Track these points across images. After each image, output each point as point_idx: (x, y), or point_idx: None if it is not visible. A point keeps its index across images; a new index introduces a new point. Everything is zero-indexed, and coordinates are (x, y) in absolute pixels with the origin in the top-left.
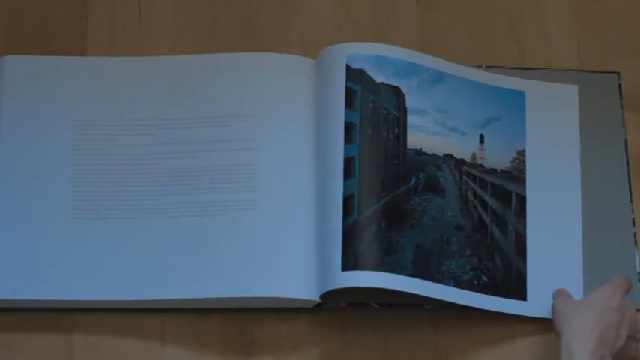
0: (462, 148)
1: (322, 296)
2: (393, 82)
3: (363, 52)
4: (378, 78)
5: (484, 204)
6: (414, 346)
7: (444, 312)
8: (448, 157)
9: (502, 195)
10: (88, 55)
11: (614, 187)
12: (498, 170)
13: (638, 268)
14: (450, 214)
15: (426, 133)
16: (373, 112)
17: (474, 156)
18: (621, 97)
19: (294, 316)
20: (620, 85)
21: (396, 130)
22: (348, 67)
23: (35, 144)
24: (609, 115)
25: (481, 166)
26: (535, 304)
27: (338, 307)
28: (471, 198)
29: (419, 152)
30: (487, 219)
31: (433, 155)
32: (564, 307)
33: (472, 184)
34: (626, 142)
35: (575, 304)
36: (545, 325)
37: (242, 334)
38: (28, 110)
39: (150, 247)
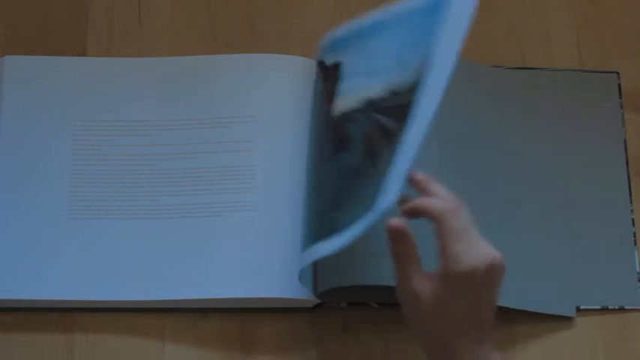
0: (384, 86)
1: (320, 295)
2: (338, 59)
3: (324, 42)
4: (329, 62)
5: (387, 132)
6: (414, 346)
7: None
8: (367, 103)
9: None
10: (88, 55)
11: (613, 187)
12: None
13: (638, 268)
14: (353, 164)
15: (353, 93)
16: (320, 102)
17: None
18: (621, 97)
19: (293, 316)
20: (619, 85)
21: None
22: (319, 62)
23: (34, 144)
24: (609, 114)
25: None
26: None
27: (338, 307)
28: (377, 133)
29: (346, 116)
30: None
31: (355, 111)
32: (423, 297)
33: (380, 117)
34: (625, 141)
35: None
36: (546, 325)
37: (242, 334)
38: (27, 110)
39: (149, 248)
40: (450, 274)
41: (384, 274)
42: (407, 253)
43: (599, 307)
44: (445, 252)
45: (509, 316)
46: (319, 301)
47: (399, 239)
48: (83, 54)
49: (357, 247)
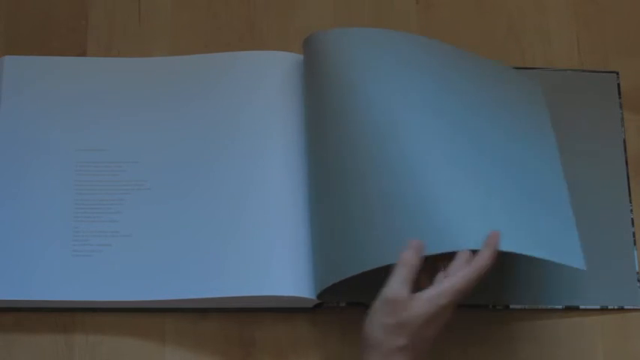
0: None
1: (320, 295)
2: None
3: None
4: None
5: None
6: None
7: None
8: None
9: None
10: (88, 55)
11: (613, 187)
12: None
13: (637, 268)
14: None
15: None
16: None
17: None
18: (620, 97)
19: (293, 316)
20: (619, 85)
21: None
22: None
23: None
24: (608, 115)
25: None
26: None
27: (337, 307)
28: None
29: None
30: None
31: None
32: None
33: None
34: (625, 142)
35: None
36: (545, 325)
37: (242, 334)
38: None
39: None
40: (438, 301)
41: (375, 258)
42: (413, 264)
43: (599, 306)
44: (445, 283)
45: (509, 315)
46: (319, 301)
47: (415, 250)
48: (83, 54)
49: (350, 241)
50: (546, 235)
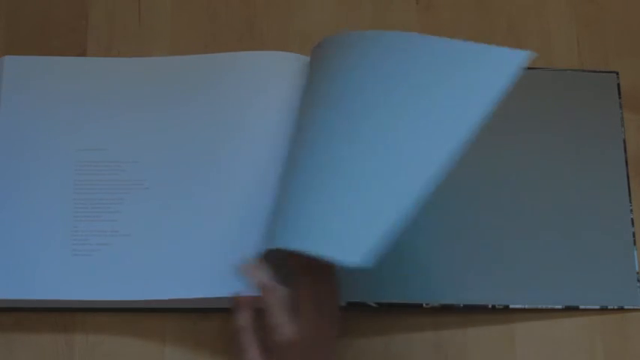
0: None
1: None
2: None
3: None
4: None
5: None
6: (414, 346)
7: (444, 312)
8: None
9: None
10: (88, 55)
11: (613, 187)
12: None
13: (637, 268)
14: None
15: None
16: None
17: None
18: (620, 97)
19: None
20: (619, 85)
21: None
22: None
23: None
24: (608, 114)
25: None
26: None
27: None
28: None
29: None
30: None
31: None
32: None
33: None
34: (625, 141)
35: None
36: (545, 325)
37: None
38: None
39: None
40: (274, 346)
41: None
42: (246, 325)
43: (598, 306)
44: (268, 324)
45: (509, 315)
46: None
47: (243, 310)
48: (83, 54)
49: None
50: (335, 230)
